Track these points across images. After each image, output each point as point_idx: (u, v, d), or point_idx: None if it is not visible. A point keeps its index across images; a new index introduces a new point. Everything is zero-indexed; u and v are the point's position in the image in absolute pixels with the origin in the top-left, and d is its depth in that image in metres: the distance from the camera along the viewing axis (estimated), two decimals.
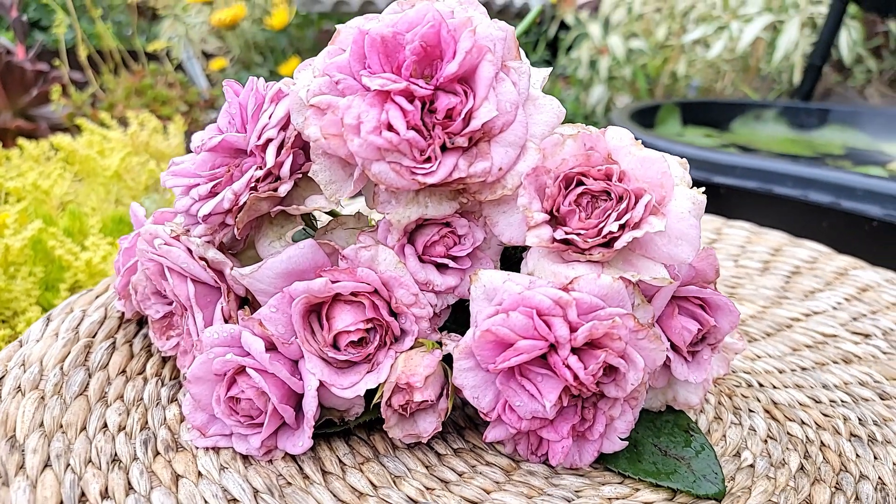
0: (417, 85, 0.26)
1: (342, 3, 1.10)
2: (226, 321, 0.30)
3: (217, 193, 0.28)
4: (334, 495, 0.27)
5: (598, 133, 0.28)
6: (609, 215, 0.27)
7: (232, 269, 0.30)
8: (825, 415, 0.35)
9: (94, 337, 0.35)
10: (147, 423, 0.30)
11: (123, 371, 0.33)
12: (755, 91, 1.54)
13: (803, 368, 0.39)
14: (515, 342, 0.26)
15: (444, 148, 0.27)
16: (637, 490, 0.28)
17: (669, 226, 0.27)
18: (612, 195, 0.27)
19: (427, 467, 0.29)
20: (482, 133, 0.27)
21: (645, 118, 1.14)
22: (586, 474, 0.29)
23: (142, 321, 0.37)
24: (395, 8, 0.29)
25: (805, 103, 1.29)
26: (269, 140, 0.28)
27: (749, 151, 1.11)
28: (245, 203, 0.28)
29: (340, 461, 0.28)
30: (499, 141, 0.27)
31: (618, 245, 0.26)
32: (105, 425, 0.29)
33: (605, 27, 1.72)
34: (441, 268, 0.30)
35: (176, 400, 0.32)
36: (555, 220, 0.28)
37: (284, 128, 0.28)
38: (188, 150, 0.86)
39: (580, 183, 0.27)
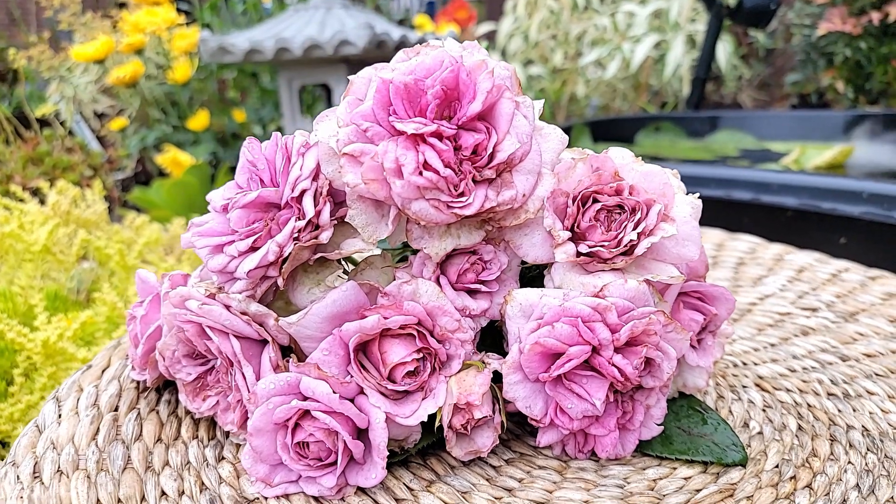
0: (445, 126, 0.29)
1: (255, 51, 1.10)
2: (275, 371, 0.30)
3: (256, 248, 0.29)
4: None
5: (603, 154, 0.31)
6: (625, 226, 0.30)
7: (277, 319, 0.30)
8: (803, 380, 0.39)
9: (117, 410, 0.34)
10: (204, 484, 0.30)
11: (160, 439, 0.33)
12: (648, 104, 1.67)
13: (772, 345, 0.44)
14: (564, 350, 0.29)
15: (473, 181, 0.29)
16: (675, 469, 0.32)
17: (676, 229, 0.30)
18: (626, 208, 0.30)
19: (488, 480, 0.31)
20: (506, 164, 0.30)
21: None
22: (628, 462, 0.32)
23: (160, 388, 0.36)
24: (401, 56, 0.32)
25: (696, 112, 1.42)
26: (304, 191, 0.29)
27: (656, 160, 1.21)
28: (290, 254, 0.29)
29: (408, 487, 0.30)
30: (519, 170, 0.30)
31: (637, 252, 0.30)
32: (164, 493, 0.29)
33: (504, 56, 1.81)
34: (472, 293, 0.32)
35: (224, 458, 0.32)
36: (575, 235, 0.31)
37: (315, 178, 0.30)
38: (111, 216, 0.83)
39: (595, 200, 0.31)
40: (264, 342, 0.31)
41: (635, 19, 1.52)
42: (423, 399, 0.30)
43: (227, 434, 0.34)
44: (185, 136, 1.47)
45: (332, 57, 1.08)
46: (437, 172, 0.28)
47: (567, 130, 1.29)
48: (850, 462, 0.32)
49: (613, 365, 0.29)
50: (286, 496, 0.29)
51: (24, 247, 0.78)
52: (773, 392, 0.38)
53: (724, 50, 1.60)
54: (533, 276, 0.35)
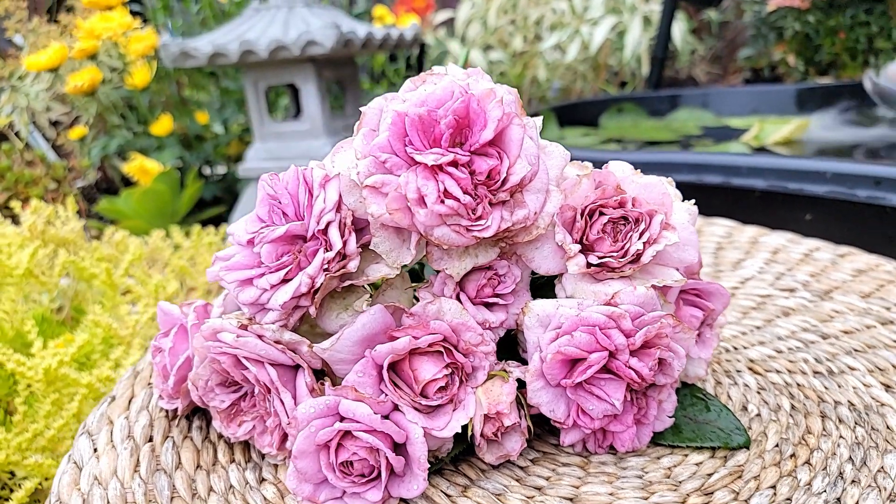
0: (460, 153, 0.30)
1: (219, 55, 1.09)
2: (311, 394, 0.32)
3: (287, 280, 0.31)
4: None
5: (604, 169, 0.33)
6: (631, 236, 0.32)
7: (310, 346, 0.32)
8: (790, 361, 0.43)
9: (152, 441, 0.35)
10: None
11: (199, 465, 0.34)
12: (608, 84, 1.70)
13: (757, 327, 0.47)
14: (583, 357, 0.31)
15: (489, 204, 0.31)
16: (686, 455, 0.34)
17: (678, 236, 0.33)
18: (630, 219, 0.33)
19: (518, 480, 0.33)
20: (518, 186, 0.31)
21: None
22: (643, 454, 0.35)
23: (189, 415, 0.38)
24: (409, 86, 0.33)
25: (656, 92, 1.46)
26: (329, 223, 0.31)
27: (622, 142, 1.24)
28: (321, 284, 0.30)
29: (446, 494, 0.32)
30: (530, 189, 0.32)
31: (644, 260, 0.32)
32: None
33: (463, 43, 1.82)
34: (489, 306, 0.34)
35: (264, 479, 0.33)
36: (584, 247, 0.33)
37: (338, 209, 0.31)
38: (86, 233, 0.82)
39: (601, 213, 0.33)
40: (297, 367, 0.33)
41: (592, 2, 1.54)
42: (453, 411, 0.32)
43: (262, 456, 0.35)
44: (149, 141, 1.44)
45: (298, 57, 1.08)
46: (457, 200, 0.29)
47: (534, 117, 1.31)
48: (841, 437, 0.35)
49: (630, 367, 0.31)
50: None
51: (6, 271, 0.76)
52: (764, 374, 0.41)
53: (679, 28, 1.64)
54: (540, 283, 0.38)
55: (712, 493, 0.32)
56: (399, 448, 0.31)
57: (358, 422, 0.30)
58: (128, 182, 1.59)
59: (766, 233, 0.61)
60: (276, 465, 0.34)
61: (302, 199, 0.31)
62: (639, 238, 0.32)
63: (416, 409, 0.31)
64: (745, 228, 0.62)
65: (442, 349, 0.31)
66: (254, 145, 1.22)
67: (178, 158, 1.40)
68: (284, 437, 0.33)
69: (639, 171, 0.34)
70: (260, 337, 0.32)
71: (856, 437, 0.35)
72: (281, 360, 0.32)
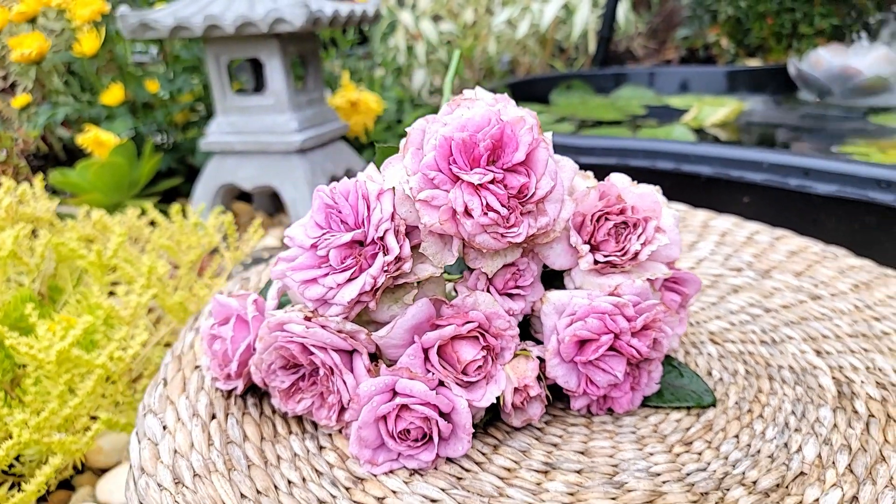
0: (496, 171, 0.36)
1: (182, 28, 1.08)
2: (368, 374, 0.37)
3: (352, 280, 0.36)
4: (498, 476, 0.37)
5: (608, 182, 0.40)
6: (630, 238, 0.39)
7: (367, 334, 0.37)
8: (742, 332, 0.51)
9: (215, 417, 0.40)
10: (318, 470, 0.37)
11: (263, 437, 0.39)
12: (555, 59, 1.77)
13: (713, 303, 0.56)
14: (593, 338, 0.38)
15: (520, 214, 0.37)
16: (668, 414, 0.42)
17: (668, 238, 0.40)
18: (629, 224, 0.39)
19: (537, 439, 0.40)
20: (542, 198, 0.38)
21: None
22: (634, 414, 0.42)
23: (242, 395, 0.42)
24: (447, 109, 0.38)
25: (602, 70, 1.53)
26: (387, 230, 0.36)
27: (572, 121, 1.32)
28: (382, 283, 0.36)
29: (481, 452, 0.38)
30: (549, 200, 0.38)
31: (641, 258, 0.39)
32: (290, 482, 0.36)
33: (413, 12, 1.84)
34: (512, 296, 0.40)
35: (322, 447, 0.39)
36: (591, 247, 0.40)
37: (392, 218, 0.36)
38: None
39: (607, 219, 0.39)
40: (352, 352, 0.38)
41: None
42: (487, 385, 0.38)
43: (315, 427, 0.41)
44: (97, 111, 1.41)
45: (264, 34, 1.09)
46: (497, 213, 0.35)
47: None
48: (784, 394, 0.44)
49: (631, 346, 0.38)
50: (391, 472, 0.37)
51: None
52: (722, 344, 0.50)
53: (623, 6, 1.72)
54: (546, 274, 0.44)
55: (691, 443, 0.40)
56: (445, 417, 0.37)
57: (413, 396, 0.36)
58: (71, 153, 1.55)
59: (715, 216, 0.70)
60: (329, 435, 0.40)
61: (361, 209, 0.36)
62: (637, 240, 0.39)
63: (458, 384, 0.37)
64: (696, 212, 0.71)
65: (478, 334, 0.38)
66: (216, 119, 1.22)
67: (133, 129, 1.38)
68: (342, 410, 0.39)
69: (635, 181, 0.41)
70: (323, 327, 0.37)
71: (796, 395, 0.44)
72: (342, 346, 0.37)
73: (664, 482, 0.36)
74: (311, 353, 0.37)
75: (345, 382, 0.37)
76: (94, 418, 0.67)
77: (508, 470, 0.37)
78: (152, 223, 1.13)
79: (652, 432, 0.41)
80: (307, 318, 0.37)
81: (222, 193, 1.25)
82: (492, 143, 0.36)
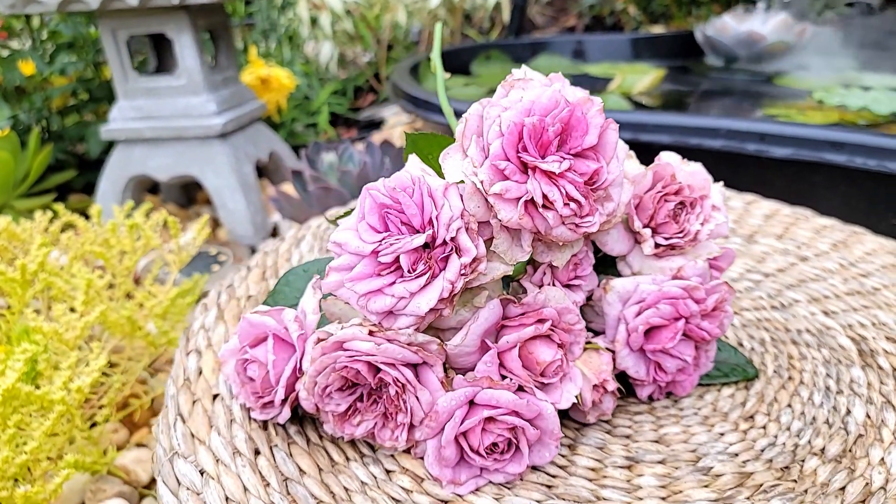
0: (569, 158, 0.33)
1: (74, 1, 0.95)
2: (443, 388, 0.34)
3: (426, 287, 0.32)
4: (586, 478, 0.35)
5: (664, 162, 0.39)
6: (689, 218, 0.38)
7: (439, 344, 0.34)
8: (751, 299, 0.53)
9: (258, 453, 0.35)
10: (395, 498, 0.34)
11: (321, 469, 0.35)
12: (468, 28, 1.74)
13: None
14: (665, 325, 0.37)
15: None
16: (719, 390, 0.42)
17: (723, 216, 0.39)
18: (686, 204, 0.38)
19: (608, 433, 0.39)
20: (611, 183, 0.35)
21: (414, 74, 1.25)
22: (689, 394, 0.42)
23: (271, 424, 0.38)
24: (501, 92, 0.35)
25: (518, 39, 1.53)
26: (459, 229, 0.32)
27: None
28: (461, 287, 0.32)
29: (560, 454, 0.37)
30: (613, 184, 0.36)
31: (700, 238, 0.38)
32: None
33: None
34: (571, 288, 0.38)
35: (390, 471, 0.35)
36: (650, 230, 0.38)
37: (462, 215, 0.33)
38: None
39: (665, 201, 0.38)
40: (420, 365, 0.35)
41: None
42: (562, 384, 0.36)
43: (372, 449, 0.37)
44: None
45: (171, 5, 0.98)
46: (578, 203, 0.33)
47: (415, 67, 1.32)
48: (814, 358, 0.45)
49: (702, 329, 0.37)
50: (477, 490, 0.34)
51: None
52: (740, 313, 0.51)
53: None
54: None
55: (752, 417, 0.40)
56: (531, 424, 0.35)
57: (499, 406, 0.33)
58: None
59: None
60: (392, 456, 0.36)
61: (428, 207, 0.32)
62: (696, 220, 0.38)
63: (536, 387, 0.35)
64: None
65: (550, 332, 0.35)
66: (118, 104, 1.09)
67: (12, 118, 1.21)
68: (410, 429, 0.35)
69: (684, 159, 0.40)
70: (390, 341, 0.33)
71: (824, 357, 0.45)
72: (413, 360, 0.34)
73: (745, 462, 0.36)
74: (380, 371, 0.33)
75: (418, 399, 0.34)
76: (49, 459, 0.58)
77: (594, 470, 0.36)
78: (68, 225, 1.00)
79: (713, 411, 0.40)
80: (371, 333, 0.33)
81: (132, 186, 1.13)
82: (561, 128, 0.33)
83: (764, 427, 0.39)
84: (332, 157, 0.91)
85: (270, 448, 0.36)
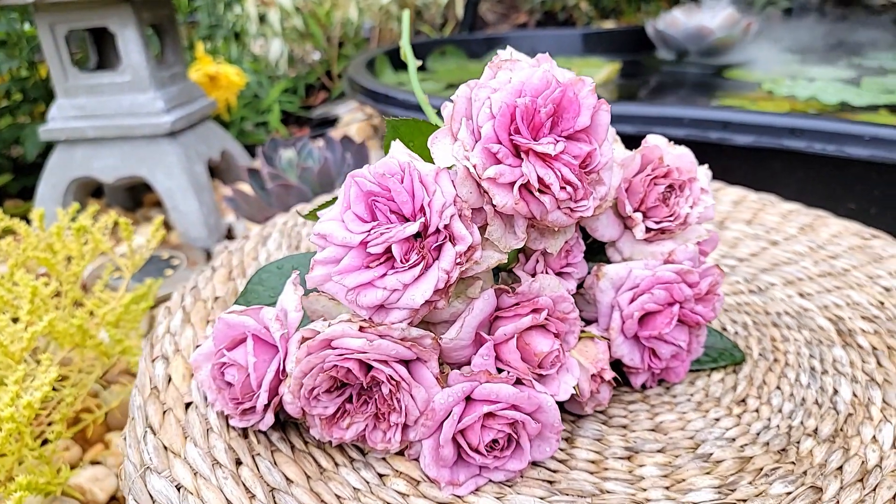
0: (562, 140, 0.32)
1: None
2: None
3: (420, 278, 0.30)
4: (588, 471, 0.34)
5: (651, 145, 0.38)
6: (678, 202, 0.38)
7: (433, 338, 0.32)
8: (728, 284, 0.53)
9: (240, 464, 0.33)
10: (391, 503, 0.32)
11: (309, 477, 0.33)
12: (422, 24, 1.72)
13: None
14: (659, 310, 0.36)
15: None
16: (709, 375, 0.42)
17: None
18: (674, 187, 0.38)
19: (604, 423, 0.37)
20: (603, 166, 0.34)
21: (370, 69, 1.22)
22: (681, 382, 0.41)
23: (248, 430, 0.35)
24: (488, 73, 0.34)
25: (472, 35, 1.52)
26: (452, 216, 0.31)
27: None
28: (456, 277, 0.31)
29: (560, 448, 0.35)
30: (605, 168, 0.35)
31: (691, 221, 0.38)
32: None
33: None
34: (562, 275, 0.37)
35: (382, 475, 0.33)
36: (641, 214, 0.38)
37: (455, 202, 0.31)
38: None
39: (655, 184, 0.37)
40: (412, 361, 0.33)
41: None
42: (559, 374, 0.35)
43: (361, 452, 0.35)
44: None
45: None
46: (574, 186, 0.32)
47: (371, 62, 1.29)
48: (796, 339, 0.45)
49: (696, 313, 0.37)
50: (477, 490, 0.33)
51: None
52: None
53: None
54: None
55: (744, 400, 0.40)
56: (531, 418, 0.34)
57: (498, 401, 0.32)
58: None
59: None
60: (383, 459, 0.34)
61: (419, 194, 0.31)
62: (685, 203, 0.37)
63: (534, 379, 0.34)
64: None
65: (549, 322, 0.34)
66: (57, 102, 1.03)
67: None
68: (406, 431, 0.33)
69: (671, 143, 0.39)
70: (382, 336, 0.31)
71: (805, 338, 0.46)
72: (406, 356, 0.32)
73: (743, 446, 0.36)
74: (372, 370, 0.31)
75: (413, 397, 0.32)
76: None
77: (594, 462, 0.35)
78: (7, 231, 0.94)
79: (705, 397, 0.40)
80: (361, 329, 0.31)
81: (74, 189, 1.07)
82: (553, 109, 0.32)
83: (757, 410, 0.39)
84: (291, 153, 0.88)
85: (253, 457, 0.33)
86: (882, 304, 0.49)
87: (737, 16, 1.30)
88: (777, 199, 0.66)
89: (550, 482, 0.33)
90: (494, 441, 0.32)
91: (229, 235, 1.10)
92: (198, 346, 0.37)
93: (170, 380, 0.38)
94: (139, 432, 0.35)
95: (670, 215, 0.37)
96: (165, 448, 0.34)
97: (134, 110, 1.02)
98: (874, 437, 0.37)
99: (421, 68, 1.38)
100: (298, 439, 0.35)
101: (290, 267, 0.42)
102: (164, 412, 0.36)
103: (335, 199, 0.42)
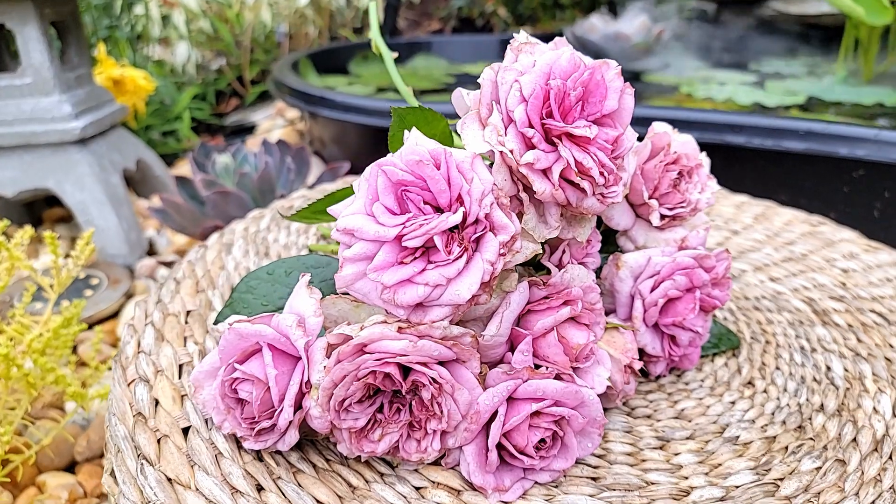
0: (595, 125, 0.31)
1: None
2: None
3: (464, 272, 0.28)
4: (629, 464, 0.33)
5: (661, 132, 0.38)
6: (688, 187, 0.38)
7: (473, 336, 0.30)
8: None
9: (262, 489, 0.29)
10: None
11: (341, 497, 0.30)
12: (342, 29, 1.68)
13: None
14: (679, 297, 0.36)
15: None
16: (713, 361, 0.42)
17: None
18: (683, 173, 0.38)
19: (628, 415, 0.37)
20: (628, 151, 0.34)
21: (296, 71, 1.18)
22: (688, 369, 0.41)
23: (258, 452, 0.32)
24: (511, 56, 0.32)
25: (393, 39, 1.50)
26: (492, 204, 0.29)
27: (389, 91, 1.27)
28: (500, 269, 0.29)
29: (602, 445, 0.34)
30: (628, 153, 0.35)
31: (701, 206, 0.38)
32: None
33: None
34: (582, 266, 0.36)
35: (419, 488, 0.31)
36: (656, 201, 0.37)
37: (491, 190, 0.30)
38: None
39: (667, 170, 0.37)
40: (446, 363, 0.31)
41: None
42: (592, 367, 0.34)
43: (390, 466, 0.32)
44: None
45: None
46: (611, 171, 0.31)
47: (296, 64, 1.24)
48: (779, 321, 0.47)
49: (713, 298, 0.37)
50: (525, 494, 0.31)
51: None
52: None
53: None
54: None
55: (752, 382, 0.40)
56: None
57: (545, 398, 0.30)
58: None
59: None
60: (416, 471, 0.32)
61: (457, 181, 0.29)
62: (695, 189, 0.38)
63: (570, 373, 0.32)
64: None
65: (582, 314, 0.33)
66: None
67: None
68: (445, 438, 0.31)
69: (675, 129, 0.39)
70: (421, 337, 0.29)
71: (787, 320, 0.47)
72: (447, 357, 0.30)
73: (764, 427, 0.36)
74: (411, 374, 0.29)
75: (455, 400, 0.30)
76: None
77: (631, 455, 0.34)
78: None
79: (715, 382, 0.40)
80: (399, 330, 0.29)
81: None
82: (582, 92, 0.31)
83: (766, 391, 0.39)
84: (227, 159, 0.82)
85: (275, 481, 0.30)
86: (844, 284, 0.52)
87: (649, 23, 1.36)
88: (727, 191, 0.69)
89: (595, 479, 0.32)
90: (541, 441, 0.30)
91: (151, 251, 1.02)
92: (179, 363, 0.33)
93: (157, 403, 0.34)
94: (132, 466, 0.30)
95: (682, 201, 0.37)
96: (170, 480, 0.29)
97: (37, 115, 0.92)
98: (875, 408, 0.38)
99: (343, 72, 1.35)
100: (319, 457, 0.32)
101: (284, 272, 0.38)
102: (160, 440, 0.32)
103: (331, 195, 0.39)
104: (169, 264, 0.93)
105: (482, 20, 1.87)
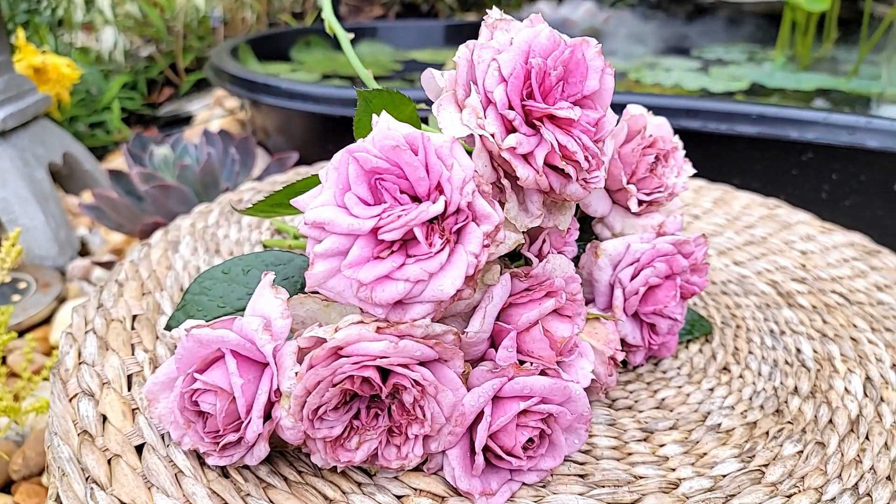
0: (576, 107, 0.30)
1: None
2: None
3: (447, 265, 0.26)
4: (614, 458, 0.32)
5: (637, 114, 0.37)
6: (665, 171, 0.37)
7: (455, 333, 0.28)
8: None
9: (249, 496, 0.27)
10: None
11: (330, 498, 0.28)
12: (282, 14, 1.62)
13: None
14: (659, 284, 0.35)
15: None
16: (688, 348, 0.42)
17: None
18: (660, 157, 0.37)
19: (610, 406, 0.36)
20: (608, 134, 0.32)
21: (235, 57, 1.12)
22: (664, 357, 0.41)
23: (223, 467, 0.29)
24: (486, 34, 0.30)
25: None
26: (473, 192, 0.27)
27: (342, 79, 1.23)
28: (484, 262, 0.27)
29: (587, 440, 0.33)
30: (608, 136, 0.33)
31: (677, 190, 0.37)
32: None
33: None
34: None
35: (401, 496, 0.29)
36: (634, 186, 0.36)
37: (472, 177, 0.28)
38: None
39: (643, 154, 0.36)
40: (427, 363, 0.29)
41: None
42: (576, 360, 0.32)
43: (366, 473, 0.30)
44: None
45: None
46: (595, 155, 0.29)
47: (234, 50, 1.19)
48: (747, 305, 0.47)
49: (692, 284, 0.36)
50: (512, 497, 0.29)
51: None
52: None
53: None
54: None
55: (727, 368, 0.40)
56: None
57: (532, 395, 0.29)
58: None
59: None
60: (395, 478, 0.30)
61: (436, 168, 0.27)
62: (671, 173, 0.37)
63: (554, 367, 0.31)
64: None
65: (565, 306, 0.31)
66: None
67: None
68: (425, 440, 0.29)
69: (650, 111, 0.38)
70: (401, 336, 0.27)
71: (755, 303, 0.47)
72: (429, 357, 0.28)
73: (744, 412, 0.36)
74: (391, 376, 0.27)
75: (439, 403, 0.28)
76: None
77: (616, 448, 0.33)
78: None
79: (692, 369, 0.40)
80: (378, 330, 0.26)
81: None
82: (563, 71, 0.30)
83: (741, 376, 0.39)
84: (166, 150, 0.77)
85: (243, 499, 0.27)
86: (804, 266, 0.52)
87: (595, 9, 1.37)
88: None
89: (583, 476, 0.31)
90: (529, 440, 0.29)
91: (84, 251, 0.95)
92: (128, 373, 0.30)
93: (105, 419, 0.31)
94: (80, 491, 0.27)
95: (660, 186, 0.36)
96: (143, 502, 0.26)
97: None
98: (846, 388, 0.38)
99: (284, 59, 1.30)
100: (290, 470, 0.30)
101: (241, 270, 0.35)
102: (110, 460, 0.29)
103: (291, 186, 0.36)
104: (105, 265, 0.87)
105: (427, 5, 1.84)
